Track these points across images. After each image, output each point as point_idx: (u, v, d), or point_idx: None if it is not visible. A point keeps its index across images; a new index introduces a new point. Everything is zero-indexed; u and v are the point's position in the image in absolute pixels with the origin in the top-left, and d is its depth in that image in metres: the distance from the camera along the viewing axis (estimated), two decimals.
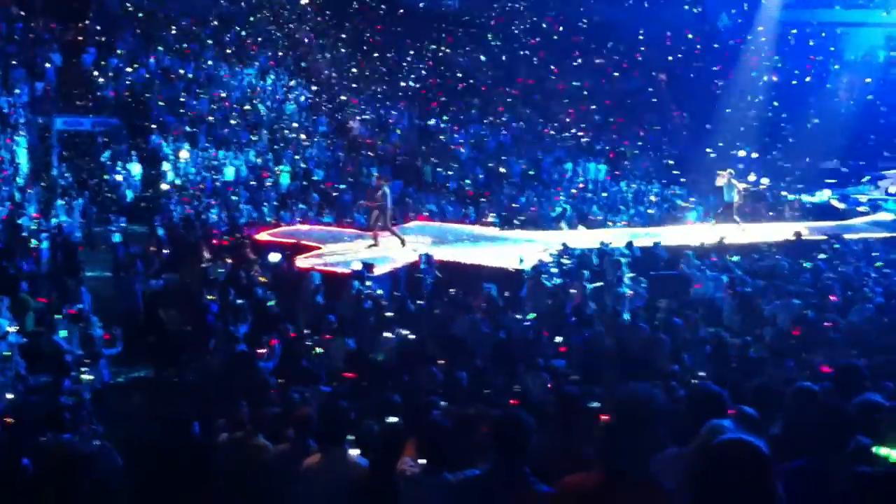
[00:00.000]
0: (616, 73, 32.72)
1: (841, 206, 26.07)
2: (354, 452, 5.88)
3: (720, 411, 4.86)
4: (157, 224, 18.94)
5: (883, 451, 4.51)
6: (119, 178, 22.40)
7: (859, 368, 8.05)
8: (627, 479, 3.44)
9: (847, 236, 20.55)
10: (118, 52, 26.61)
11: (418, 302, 14.43)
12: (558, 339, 12.58)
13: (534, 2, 34.73)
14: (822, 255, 17.30)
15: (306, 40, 32.44)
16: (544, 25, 34.71)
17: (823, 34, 34.68)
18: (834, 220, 23.77)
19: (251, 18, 31.46)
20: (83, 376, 10.61)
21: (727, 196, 21.00)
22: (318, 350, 11.81)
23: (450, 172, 26.67)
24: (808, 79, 33.38)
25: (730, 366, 11.55)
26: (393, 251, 17.59)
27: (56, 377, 10.76)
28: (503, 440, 4.47)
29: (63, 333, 12.05)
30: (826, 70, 34.10)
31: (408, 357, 11.87)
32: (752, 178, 28.73)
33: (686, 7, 33.82)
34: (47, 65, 24.64)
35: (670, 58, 33.27)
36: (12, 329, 12.22)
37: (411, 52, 32.86)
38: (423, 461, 4.87)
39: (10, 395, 10.21)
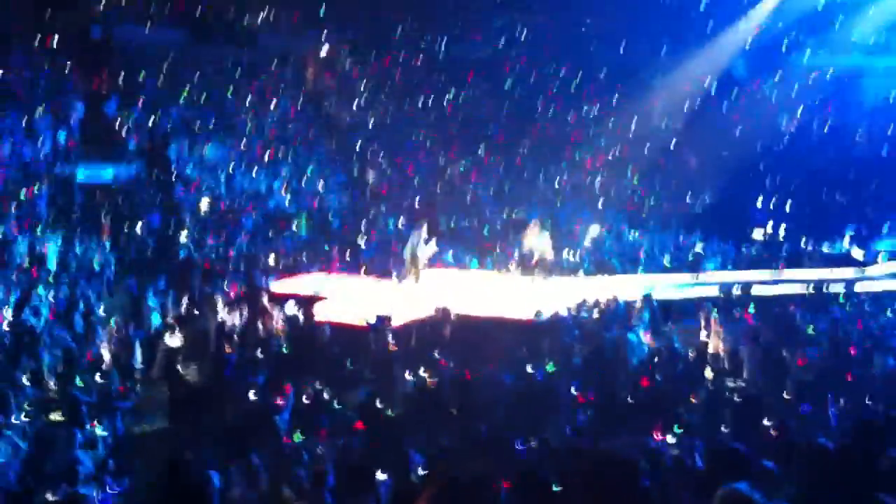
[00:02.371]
0: (632, 121, 32.72)
1: (860, 255, 25.90)
2: None
3: (740, 469, 4.80)
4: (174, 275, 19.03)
5: None
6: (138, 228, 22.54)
7: (880, 424, 7.98)
8: None
9: (866, 286, 20.42)
10: (140, 100, 26.97)
11: (435, 354, 14.39)
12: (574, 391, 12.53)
13: (550, 51, 34.93)
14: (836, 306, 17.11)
15: (326, 88, 32.80)
16: (561, 73, 34.90)
17: (848, 80, 34.70)
18: (853, 270, 23.61)
19: (272, 66, 31.87)
20: (98, 431, 10.59)
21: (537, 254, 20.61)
22: (335, 404, 11.79)
23: (465, 223, 26.66)
24: (826, 126, 33.33)
25: (757, 419, 11.41)
26: (411, 301, 17.59)
27: (71, 428, 10.76)
28: (524, 498, 4.43)
29: (79, 384, 12.08)
30: (846, 116, 34.05)
31: (425, 408, 11.85)
32: (769, 225, 28.72)
33: (702, 54, 33.85)
34: (72, 117, 24.92)
35: (687, 104, 33.31)
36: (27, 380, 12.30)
37: (430, 101, 33.11)
38: None
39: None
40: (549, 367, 13.60)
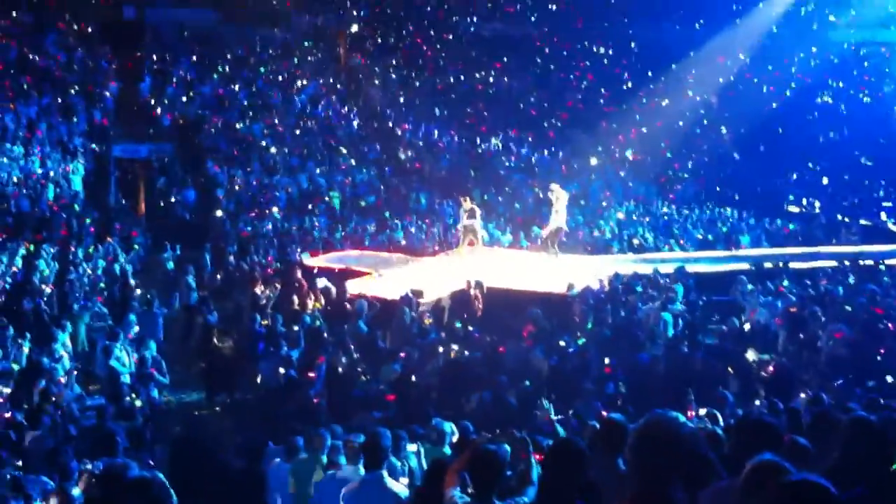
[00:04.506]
0: (667, 99, 32.41)
1: None
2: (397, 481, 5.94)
3: (773, 443, 4.79)
4: (208, 251, 19.22)
5: None
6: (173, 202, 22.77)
7: None
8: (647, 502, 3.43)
9: None
10: (173, 79, 27.22)
11: (469, 327, 14.45)
12: (606, 360, 12.53)
13: (583, 25, 34.67)
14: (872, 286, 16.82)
15: (357, 65, 32.86)
16: (594, 49, 34.66)
17: (888, 54, 34.11)
18: (891, 244, 23.28)
19: (305, 44, 31.99)
20: (136, 401, 10.77)
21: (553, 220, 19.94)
22: (366, 377, 11.87)
23: (500, 198, 26.60)
24: (866, 99, 32.83)
25: (787, 393, 11.35)
26: (443, 276, 17.63)
27: (109, 401, 10.96)
28: (557, 468, 4.46)
29: (118, 353, 12.27)
30: (881, 90, 33.51)
31: (456, 380, 11.91)
32: (805, 201, 28.43)
33: (735, 29, 33.42)
34: (106, 93, 25.17)
35: (721, 79, 32.93)
36: (67, 353, 12.52)
37: (461, 77, 33.08)
38: (471, 490, 4.84)
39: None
40: (580, 341, 13.60)
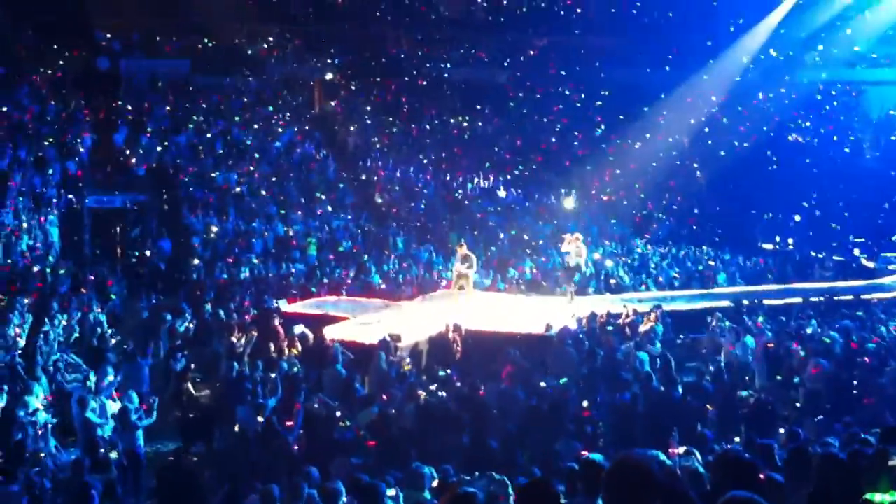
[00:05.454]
0: (640, 141, 32.79)
1: (871, 264, 25.85)
2: None
3: (750, 479, 4.81)
4: (184, 298, 19.09)
5: (877, 497, 4.51)
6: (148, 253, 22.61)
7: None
8: None
9: (878, 296, 20.37)
10: (148, 129, 27.24)
11: (447, 370, 14.39)
12: (585, 403, 12.51)
13: (555, 70, 35.15)
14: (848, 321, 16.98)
15: (332, 112, 33.08)
16: (566, 93, 35.10)
17: (854, 93, 34.78)
18: (864, 280, 23.56)
19: (279, 92, 32.18)
20: (112, 453, 10.63)
21: (572, 261, 20.61)
22: (346, 423, 11.78)
23: (477, 241, 26.64)
24: (834, 137, 33.38)
25: (765, 429, 11.37)
26: (421, 320, 17.61)
27: (84, 454, 10.82)
28: None
29: (93, 405, 12.12)
30: (850, 128, 34.12)
31: (435, 423, 11.83)
32: (777, 238, 28.78)
33: (707, 71, 33.95)
34: (80, 147, 25.10)
35: (692, 120, 33.41)
36: (42, 406, 12.36)
37: (436, 122, 33.35)
38: None
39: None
40: (562, 381, 13.58)
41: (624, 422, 12.27)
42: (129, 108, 28.43)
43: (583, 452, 10.18)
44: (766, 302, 19.03)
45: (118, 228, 24.30)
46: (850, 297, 19.68)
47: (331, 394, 13.41)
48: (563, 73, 35.06)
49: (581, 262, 20.81)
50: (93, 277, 20.31)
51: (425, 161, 31.50)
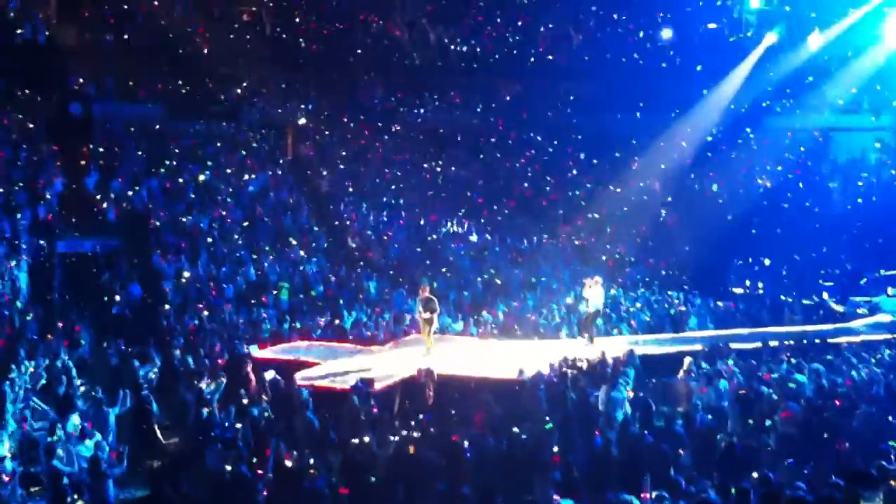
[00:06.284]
0: (612, 185, 33.12)
1: (840, 308, 26.10)
2: None
3: None
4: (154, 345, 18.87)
5: None
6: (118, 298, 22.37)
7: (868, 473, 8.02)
8: None
9: (847, 339, 20.56)
10: (119, 174, 27.12)
11: (420, 416, 14.34)
12: (556, 448, 12.50)
13: (527, 116, 35.53)
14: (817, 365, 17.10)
15: (305, 156, 33.12)
16: (538, 138, 35.44)
17: (822, 139, 35.40)
18: (833, 323, 23.77)
19: (252, 136, 32.23)
20: (79, 502, 10.46)
21: (591, 307, 20.66)
22: (317, 470, 11.67)
23: (449, 287, 26.64)
24: (801, 184, 33.88)
25: (738, 473, 11.38)
26: (393, 365, 17.55)
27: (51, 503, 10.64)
28: None
29: (60, 453, 11.95)
30: (818, 173, 34.67)
31: (409, 469, 11.75)
32: (748, 282, 29.06)
33: (674, 116, 34.41)
34: (47, 195, 24.92)
35: (663, 166, 33.83)
36: (9, 454, 12.16)
37: (408, 167, 33.48)
38: None
39: None
40: (548, 426, 13.55)
41: (597, 467, 12.25)
42: (101, 151, 28.30)
43: (555, 498, 10.16)
44: (734, 346, 19.13)
45: (88, 273, 24.03)
46: (819, 341, 19.83)
47: (302, 440, 13.30)
48: (535, 119, 35.41)
49: (600, 305, 20.85)
50: (61, 324, 20.08)
51: (398, 205, 31.58)
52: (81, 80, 29.95)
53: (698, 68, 34.10)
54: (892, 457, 10.98)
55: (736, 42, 35.03)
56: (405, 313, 23.79)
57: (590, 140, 34.57)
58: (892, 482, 7.83)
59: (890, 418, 13.99)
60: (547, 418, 14.01)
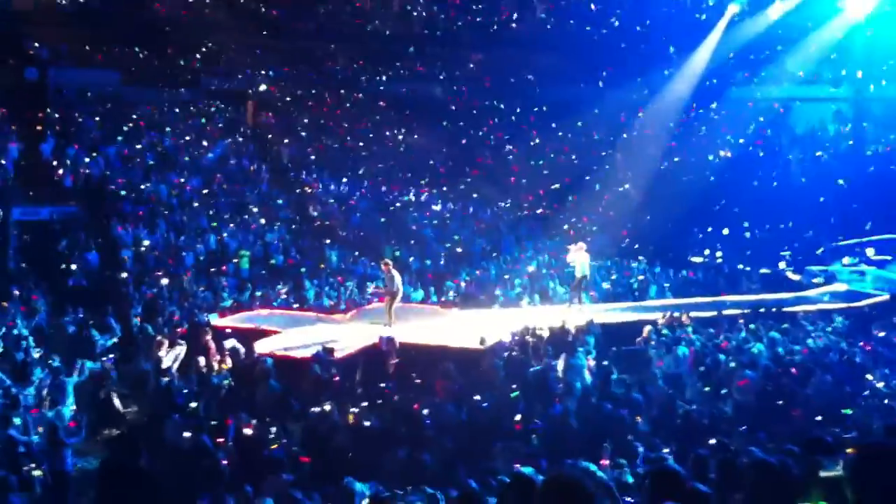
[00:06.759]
0: (574, 154, 33.18)
1: (797, 277, 26.45)
2: None
3: (677, 490, 4.88)
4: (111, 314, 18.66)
5: None
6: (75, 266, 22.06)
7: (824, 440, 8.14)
8: None
9: (804, 308, 20.85)
10: (76, 141, 26.66)
11: (380, 385, 14.35)
12: (518, 416, 12.56)
13: (490, 84, 35.40)
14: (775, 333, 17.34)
15: (266, 124, 32.79)
16: (501, 106, 35.36)
17: (781, 110, 35.63)
18: (790, 292, 24.10)
19: (212, 104, 31.84)
20: (34, 472, 10.35)
21: (578, 272, 20.75)
22: (279, 439, 11.64)
23: (412, 256, 26.61)
24: (761, 153, 34.16)
25: (695, 440, 11.52)
26: (355, 334, 17.52)
27: (8, 472, 10.51)
28: None
29: (17, 422, 11.83)
30: (778, 144, 34.94)
31: (370, 438, 11.78)
32: (707, 252, 29.32)
33: (637, 87, 34.44)
34: (2, 161, 24.45)
35: (624, 135, 33.93)
36: None
37: (371, 136, 33.28)
38: None
39: None
40: (514, 395, 13.62)
41: (557, 435, 12.34)
42: (58, 116, 27.79)
43: (516, 465, 10.22)
44: (694, 314, 19.32)
45: (45, 241, 23.67)
46: (776, 310, 20.09)
47: (264, 409, 13.26)
48: (498, 87, 35.30)
49: (587, 270, 20.84)
50: (18, 291, 19.79)
51: (361, 174, 31.42)
52: (37, 45, 29.33)
53: (663, 39, 34.05)
54: (847, 424, 11.18)
55: (699, 15, 35.01)
56: (367, 282, 23.75)
57: (552, 109, 34.50)
58: (848, 450, 7.95)
59: (846, 388, 14.26)
60: (514, 386, 14.10)
